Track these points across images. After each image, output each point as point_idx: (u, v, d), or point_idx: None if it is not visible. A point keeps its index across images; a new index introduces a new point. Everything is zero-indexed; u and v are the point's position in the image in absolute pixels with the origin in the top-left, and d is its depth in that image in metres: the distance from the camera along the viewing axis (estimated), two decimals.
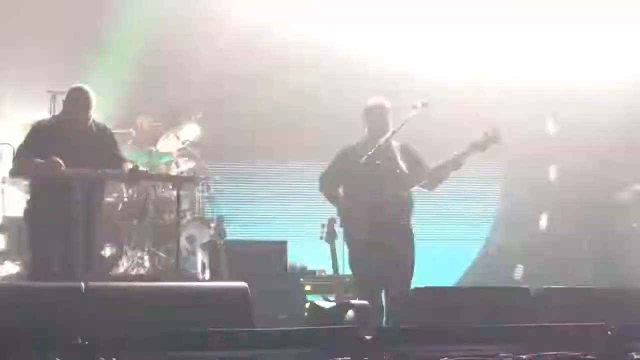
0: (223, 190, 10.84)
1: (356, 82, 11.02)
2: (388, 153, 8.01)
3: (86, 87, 7.50)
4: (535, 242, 13.60)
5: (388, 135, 7.92)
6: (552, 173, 13.95)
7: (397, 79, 11.09)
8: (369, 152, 7.71)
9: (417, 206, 8.20)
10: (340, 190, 8.10)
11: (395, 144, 8.15)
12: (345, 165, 8.09)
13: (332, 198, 8.15)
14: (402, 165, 8.07)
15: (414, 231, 8.17)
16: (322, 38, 11.49)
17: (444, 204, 11.46)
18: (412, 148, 8.29)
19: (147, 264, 9.31)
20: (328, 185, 8.18)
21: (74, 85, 7.55)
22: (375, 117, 8.11)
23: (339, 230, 8.18)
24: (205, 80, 11.25)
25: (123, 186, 9.46)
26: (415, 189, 8.14)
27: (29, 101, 10.08)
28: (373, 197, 7.83)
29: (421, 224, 8.49)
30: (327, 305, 8.60)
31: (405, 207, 8.07)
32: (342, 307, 8.07)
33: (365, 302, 7.94)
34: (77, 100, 7.40)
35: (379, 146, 7.77)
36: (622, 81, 11.68)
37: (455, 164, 7.99)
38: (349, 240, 8.05)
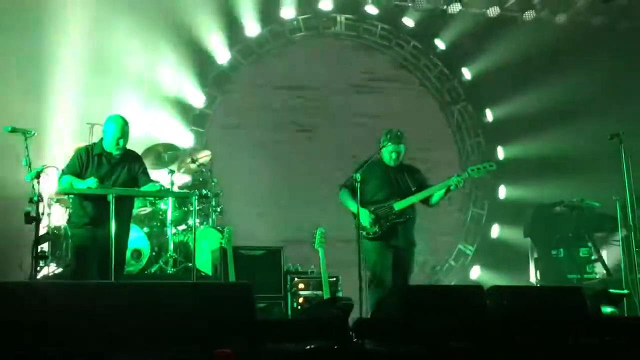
0: (232, 204, 10.88)
1: None
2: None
3: (121, 118, 7.54)
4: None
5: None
6: (502, 192, 14.11)
7: None
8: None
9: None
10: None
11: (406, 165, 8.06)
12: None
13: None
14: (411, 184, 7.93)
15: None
16: None
17: None
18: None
19: (170, 266, 9.31)
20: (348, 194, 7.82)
21: (110, 116, 7.58)
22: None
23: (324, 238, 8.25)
24: None
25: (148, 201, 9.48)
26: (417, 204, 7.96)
27: (71, 131, 10.10)
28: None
29: None
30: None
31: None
32: (330, 301, 8.11)
33: (349, 297, 7.97)
34: (114, 129, 7.50)
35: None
36: None
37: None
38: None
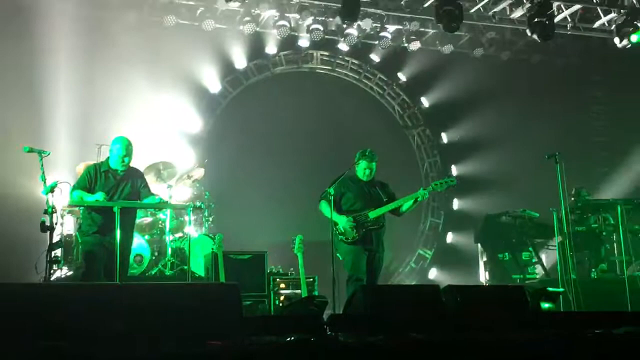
0: (222, 214, 10.85)
1: None
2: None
3: (126, 139, 7.52)
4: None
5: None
6: (455, 203, 14.18)
7: None
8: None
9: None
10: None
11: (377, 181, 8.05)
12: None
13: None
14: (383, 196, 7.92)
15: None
16: None
17: None
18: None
19: (168, 268, 9.26)
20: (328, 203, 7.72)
21: (117, 137, 7.56)
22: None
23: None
24: None
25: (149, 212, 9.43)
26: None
27: (80, 151, 10.05)
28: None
29: None
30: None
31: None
32: (307, 299, 8.09)
33: (324, 295, 7.95)
34: (120, 149, 7.48)
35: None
36: None
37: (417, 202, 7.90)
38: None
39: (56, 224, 7.06)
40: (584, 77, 14.16)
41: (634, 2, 11.52)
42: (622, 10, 11.49)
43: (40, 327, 4.34)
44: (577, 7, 11.62)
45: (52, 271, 6.98)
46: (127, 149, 7.46)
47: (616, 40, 11.57)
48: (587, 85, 14.19)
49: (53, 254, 6.91)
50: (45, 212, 6.75)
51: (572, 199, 10.40)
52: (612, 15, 11.69)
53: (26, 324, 4.33)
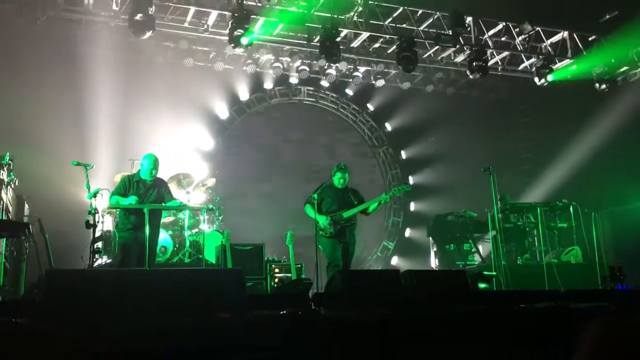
0: (229, 214, 10.81)
1: None
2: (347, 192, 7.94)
3: (154, 155, 7.52)
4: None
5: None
6: (412, 206, 14.20)
7: None
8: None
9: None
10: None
11: (350, 188, 8.03)
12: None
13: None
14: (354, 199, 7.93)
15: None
16: None
17: None
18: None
19: (187, 257, 9.20)
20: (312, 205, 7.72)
21: (147, 154, 7.55)
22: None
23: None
24: None
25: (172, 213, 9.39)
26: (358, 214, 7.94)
27: (117, 164, 10.01)
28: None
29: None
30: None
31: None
32: (296, 281, 8.09)
33: (309, 278, 7.94)
34: (149, 163, 7.46)
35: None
36: None
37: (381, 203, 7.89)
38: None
39: (98, 222, 7.01)
40: (512, 107, 14.28)
41: (550, 50, 11.66)
42: (540, 56, 11.62)
43: (86, 303, 4.32)
44: (505, 53, 11.73)
45: (94, 260, 6.91)
46: (155, 163, 7.44)
47: (536, 79, 11.69)
48: (514, 114, 14.30)
49: (95, 246, 6.85)
50: (89, 212, 6.71)
51: (500, 202, 10.45)
52: (533, 59, 11.81)
53: (76, 301, 4.31)
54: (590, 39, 11.69)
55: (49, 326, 3.84)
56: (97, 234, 7.01)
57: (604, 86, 11.73)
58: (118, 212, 7.67)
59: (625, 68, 11.92)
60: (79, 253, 7.84)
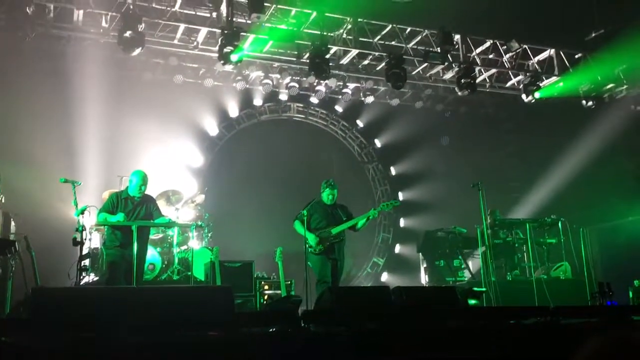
0: (219, 231, 10.78)
1: None
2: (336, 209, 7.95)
3: (143, 172, 7.50)
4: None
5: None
6: (402, 222, 14.23)
7: None
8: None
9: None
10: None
11: (339, 204, 8.03)
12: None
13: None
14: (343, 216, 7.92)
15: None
16: None
17: None
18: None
19: (175, 274, 9.15)
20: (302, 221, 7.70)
21: (136, 170, 7.52)
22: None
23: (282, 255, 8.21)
24: None
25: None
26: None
27: (105, 181, 9.97)
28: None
29: None
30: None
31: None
32: (286, 298, 8.05)
33: (299, 295, 7.90)
34: (138, 179, 7.43)
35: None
36: None
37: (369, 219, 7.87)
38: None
39: (85, 239, 6.95)
40: (500, 124, 14.41)
41: (537, 67, 11.82)
42: (527, 73, 11.77)
43: (73, 322, 4.28)
44: (493, 70, 11.87)
45: (81, 277, 6.85)
46: (144, 179, 7.43)
47: (524, 96, 11.82)
48: (503, 130, 14.43)
49: (82, 264, 6.80)
50: (77, 230, 6.67)
51: (489, 218, 10.50)
52: (520, 77, 11.95)
53: (62, 320, 4.27)
54: (576, 56, 11.87)
55: (35, 345, 3.80)
56: (85, 251, 6.96)
57: (590, 103, 11.89)
58: (106, 230, 7.62)
59: (611, 85, 12.11)
60: (66, 271, 7.76)
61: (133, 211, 7.36)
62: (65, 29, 9.83)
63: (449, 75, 11.78)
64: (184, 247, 9.54)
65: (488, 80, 12.13)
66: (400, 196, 14.07)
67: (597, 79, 11.86)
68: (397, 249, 14.10)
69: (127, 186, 7.55)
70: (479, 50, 11.38)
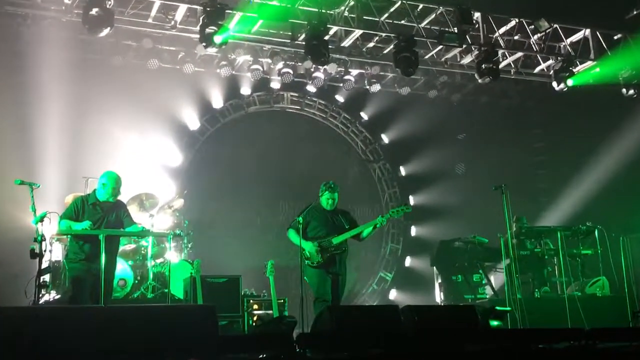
0: (200, 241, 10.78)
1: None
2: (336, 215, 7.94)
3: (115, 173, 7.47)
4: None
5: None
6: (413, 230, 14.24)
7: None
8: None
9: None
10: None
11: (340, 209, 8.04)
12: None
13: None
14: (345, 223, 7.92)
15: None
16: None
17: None
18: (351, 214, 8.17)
19: (149, 292, 9.14)
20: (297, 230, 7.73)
21: (107, 172, 7.49)
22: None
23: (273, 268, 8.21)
24: None
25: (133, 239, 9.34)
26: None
27: (68, 184, 9.95)
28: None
29: None
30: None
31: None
32: (278, 319, 8.05)
33: (293, 316, 7.90)
34: (110, 183, 7.42)
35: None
36: None
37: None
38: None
39: (45, 251, 6.95)
40: (526, 117, 14.44)
41: (570, 50, 11.83)
42: (559, 58, 11.78)
43: (30, 347, 4.27)
44: (519, 54, 11.87)
45: (40, 295, 6.84)
46: (118, 182, 7.45)
47: (554, 84, 11.83)
48: (529, 124, 14.46)
49: (42, 279, 6.78)
50: (35, 240, 6.66)
51: (514, 225, 10.50)
52: (550, 61, 11.96)
53: (17, 344, 4.25)
54: (615, 37, 11.87)
55: None
56: (44, 265, 6.94)
57: (632, 91, 11.90)
58: (69, 239, 7.61)
59: None
60: (22, 287, 7.75)
61: (102, 219, 7.35)
62: (22, 6, 9.83)
63: (467, 59, 11.79)
64: (159, 260, 9.53)
65: (513, 66, 12.14)
66: (411, 200, 14.08)
67: (639, 63, 11.87)
68: (408, 261, 14.11)
69: (95, 189, 7.54)
70: (502, 30, 11.39)
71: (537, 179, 14.16)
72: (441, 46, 11.33)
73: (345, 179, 12.85)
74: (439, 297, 11.21)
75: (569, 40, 11.81)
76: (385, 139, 14.43)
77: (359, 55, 11.90)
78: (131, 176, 9.91)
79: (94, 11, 9.06)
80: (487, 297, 10.70)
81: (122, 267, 8.81)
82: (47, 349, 4.22)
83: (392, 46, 10.97)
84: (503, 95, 14.12)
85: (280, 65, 11.88)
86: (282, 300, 8.79)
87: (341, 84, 12.79)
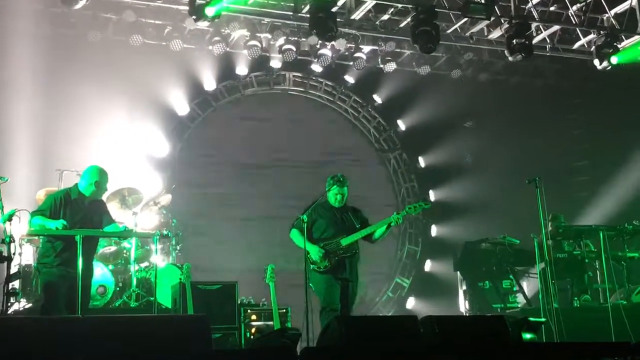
0: (190, 243, 10.82)
1: None
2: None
3: (101, 168, 7.51)
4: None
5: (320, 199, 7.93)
6: (434, 230, 14.25)
7: None
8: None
9: None
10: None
11: (350, 206, 8.06)
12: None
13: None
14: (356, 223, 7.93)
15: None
16: None
17: None
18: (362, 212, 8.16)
19: (133, 300, 9.18)
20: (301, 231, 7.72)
21: (92, 166, 7.53)
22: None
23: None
24: None
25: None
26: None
27: (40, 177, 9.97)
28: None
29: None
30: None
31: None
32: (280, 331, 8.06)
33: (297, 328, 7.92)
34: (97, 177, 7.45)
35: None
36: None
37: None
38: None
39: (14, 254, 6.99)
40: (564, 99, 14.39)
41: (614, 23, 11.77)
42: (601, 32, 11.72)
43: None
44: (556, 27, 11.83)
45: (9, 304, 6.89)
46: (105, 178, 7.48)
47: (596, 62, 11.76)
48: (566, 107, 14.42)
49: (10, 286, 6.83)
50: (3, 241, 6.69)
51: (550, 224, 10.47)
52: (592, 36, 11.90)
53: None
54: None
55: None
56: (14, 269, 6.98)
57: None
58: (41, 241, 7.65)
59: None
60: None
61: (82, 218, 7.36)
62: None
63: (496, 34, 11.75)
64: (144, 264, 9.57)
65: (548, 41, 12.10)
66: (432, 195, 14.09)
67: None
68: (428, 266, 14.13)
69: (76, 184, 7.55)
70: (535, 0, 11.36)
71: (576, 171, 14.13)
72: (466, 19, 11.30)
73: (355, 171, 12.83)
74: (463, 306, 11.23)
75: (613, 12, 11.73)
76: (401, 125, 14.42)
77: (372, 29, 11.87)
78: (111, 168, 9.92)
79: None
80: (519, 306, 10.70)
81: (102, 272, 8.85)
82: None
83: (409, 19, 10.94)
84: (537, 75, 14.08)
85: (281, 41, 11.88)
86: (284, 310, 8.83)
87: (351, 63, 12.77)
